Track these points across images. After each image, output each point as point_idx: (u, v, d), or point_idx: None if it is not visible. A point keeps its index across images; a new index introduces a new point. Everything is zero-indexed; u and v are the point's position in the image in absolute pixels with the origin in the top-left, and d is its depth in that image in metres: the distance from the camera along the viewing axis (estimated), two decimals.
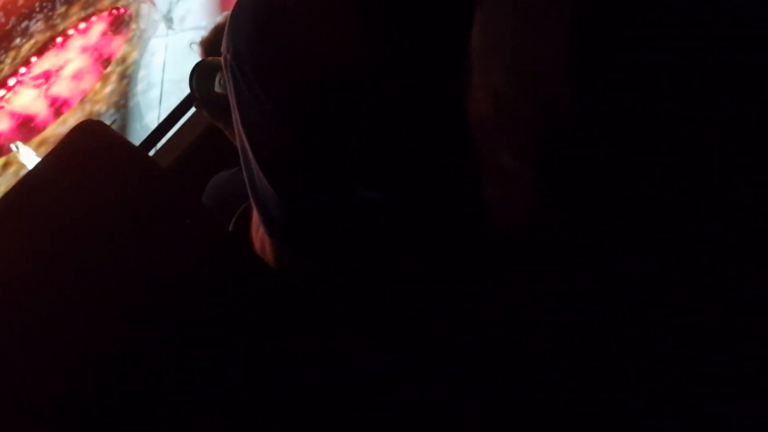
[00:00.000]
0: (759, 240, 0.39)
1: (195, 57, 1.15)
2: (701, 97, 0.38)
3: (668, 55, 0.38)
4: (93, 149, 0.60)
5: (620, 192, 0.40)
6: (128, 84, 2.07)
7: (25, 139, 1.95)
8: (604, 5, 0.38)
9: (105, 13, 2.14)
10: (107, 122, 1.98)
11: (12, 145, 2.02)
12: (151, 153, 1.48)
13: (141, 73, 2.09)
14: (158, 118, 1.94)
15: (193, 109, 1.42)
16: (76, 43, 2.14)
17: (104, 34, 2.14)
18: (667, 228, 0.40)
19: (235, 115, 0.62)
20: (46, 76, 2.15)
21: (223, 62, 0.61)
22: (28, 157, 1.97)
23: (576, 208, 0.42)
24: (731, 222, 0.39)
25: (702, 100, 0.38)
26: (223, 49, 0.61)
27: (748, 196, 0.39)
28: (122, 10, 2.16)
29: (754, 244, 0.39)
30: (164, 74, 2.05)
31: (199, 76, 1.04)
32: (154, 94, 2.02)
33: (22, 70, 2.06)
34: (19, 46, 2.01)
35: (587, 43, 0.39)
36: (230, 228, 0.79)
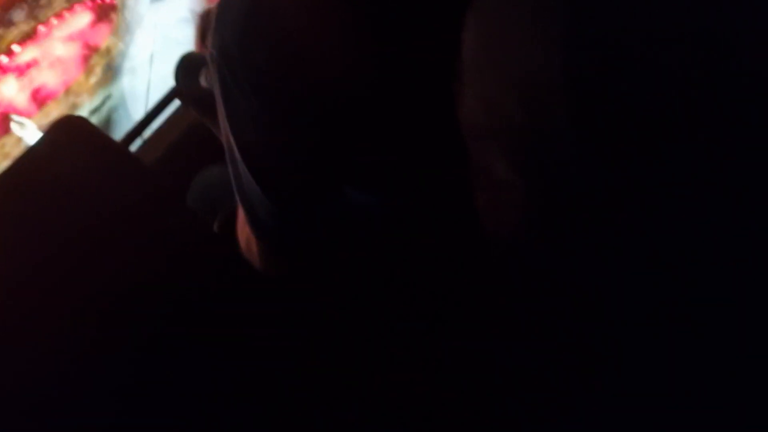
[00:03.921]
0: (757, 253, 0.39)
1: (182, 49, 1.14)
2: (700, 106, 0.37)
3: (664, 65, 0.37)
4: (73, 146, 0.58)
5: (614, 203, 0.40)
6: (113, 75, 2.04)
7: (8, 130, 1.92)
8: (599, 14, 0.38)
9: (89, 3, 2.11)
10: (88, 113, 1.95)
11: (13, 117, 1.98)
12: (136, 146, 1.47)
13: (127, 65, 2.06)
14: (145, 110, 1.91)
15: (179, 103, 1.41)
16: (60, 32, 2.11)
17: (89, 24, 2.10)
18: (665, 241, 0.40)
19: (221, 113, 0.60)
20: (29, 66, 2.12)
21: (209, 59, 0.60)
22: (30, 132, 1.93)
23: (569, 220, 0.41)
24: (732, 233, 0.38)
25: (701, 111, 0.37)
26: (209, 44, 0.60)
27: (749, 208, 0.38)
28: (107, 0, 2.12)
29: (754, 258, 0.39)
30: (152, 66, 2.03)
31: (185, 70, 1.02)
32: (141, 86, 1.99)
33: (5, 59, 2.02)
34: (1, 36, 1.97)
35: (581, 52, 0.38)
36: (215, 227, 0.78)
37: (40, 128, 1.78)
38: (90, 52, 2.15)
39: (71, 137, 0.58)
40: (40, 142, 0.59)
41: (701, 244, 0.39)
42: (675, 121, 0.38)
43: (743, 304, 0.41)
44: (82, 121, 0.61)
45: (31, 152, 0.59)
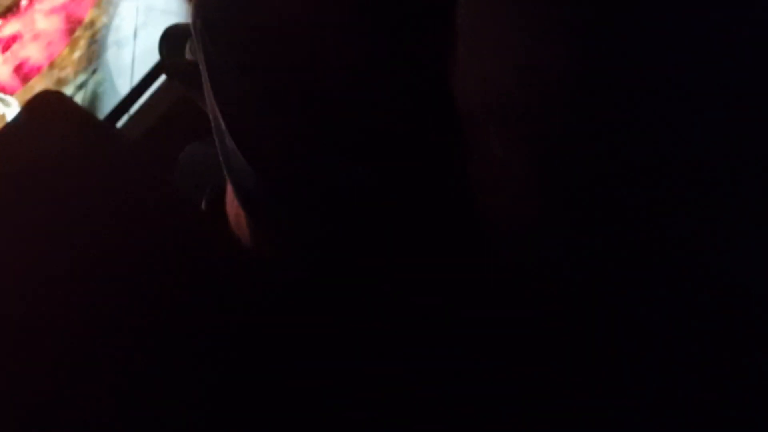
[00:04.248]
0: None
1: (167, 20, 1.11)
2: (714, 80, 0.36)
3: (672, 45, 0.36)
4: (51, 122, 0.56)
5: (621, 187, 0.38)
6: (98, 49, 2.00)
7: None
8: None
9: None
10: (74, 89, 1.92)
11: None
12: (122, 122, 1.44)
13: (111, 38, 2.02)
14: (130, 84, 1.88)
15: (164, 77, 1.38)
16: (42, 6, 2.06)
17: None
18: (673, 231, 0.38)
19: (206, 85, 0.59)
20: (12, 40, 2.08)
21: (192, 30, 0.58)
22: (14, 110, 1.91)
23: (570, 202, 0.40)
24: (738, 227, 0.37)
25: (714, 81, 0.36)
26: (192, 15, 0.58)
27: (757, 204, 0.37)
28: None
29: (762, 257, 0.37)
30: (136, 39, 1.99)
31: (169, 43, 1.00)
32: (126, 60, 1.96)
33: None
34: None
35: (585, 27, 0.37)
36: (204, 204, 0.76)
37: (23, 104, 1.75)
38: (73, 25, 2.10)
39: (49, 114, 0.55)
40: (16, 120, 0.57)
41: (708, 236, 0.37)
42: (685, 106, 0.36)
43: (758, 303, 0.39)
44: (60, 97, 0.58)
45: (6, 130, 0.57)
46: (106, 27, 2.02)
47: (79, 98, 1.99)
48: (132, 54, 1.94)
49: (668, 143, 0.37)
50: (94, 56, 2.02)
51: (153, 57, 1.53)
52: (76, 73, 2.01)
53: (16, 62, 2.06)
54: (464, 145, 0.44)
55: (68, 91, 1.89)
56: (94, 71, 2.01)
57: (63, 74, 2.07)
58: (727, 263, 0.38)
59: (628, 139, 0.38)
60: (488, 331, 0.47)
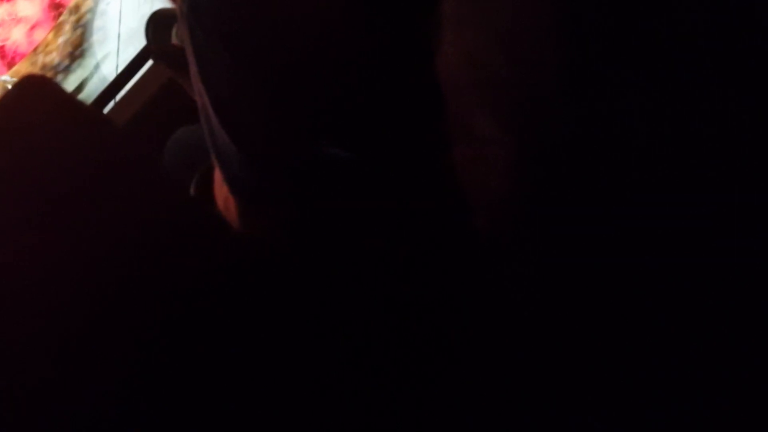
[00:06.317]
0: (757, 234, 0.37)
1: (152, 4, 1.10)
2: (701, 64, 0.36)
3: (663, 18, 0.36)
4: (37, 109, 0.55)
5: (611, 165, 0.38)
6: (83, 34, 1.98)
7: None
8: None
9: None
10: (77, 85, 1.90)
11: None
12: (108, 107, 1.43)
13: (97, 23, 2.00)
14: (116, 70, 1.87)
15: (151, 61, 1.37)
16: None
17: None
18: (663, 213, 0.38)
19: (193, 70, 0.59)
20: None
21: (178, 13, 0.58)
22: None
23: (562, 183, 0.39)
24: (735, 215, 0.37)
25: (703, 70, 0.36)
26: None
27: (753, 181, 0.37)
28: None
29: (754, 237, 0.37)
30: (121, 24, 1.97)
31: (156, 26, 1.00)
32: (112, 44, 1.94)
33: None
34: None
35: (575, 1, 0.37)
36: (192, 189, 0.76)
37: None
38: (58, 10, 2.08)
39: (34, 99, 0.55)
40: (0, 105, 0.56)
41: (710, 222, 0.37)
42: (685, 79, 0.36)
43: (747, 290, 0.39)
44: (45, 82, 0.58)
45: None
46: (92, 11, 2.00)
47: (65, 83, 1.97)
48: (118, 39, 1.93)
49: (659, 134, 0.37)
50: (79, 41, 2.00)
51: (139, 41, 1.52)
52: (62, 58, 2.00)
53: (1, 47, 2.03)
54: (449, 129, 0.44)
55: (53, 75, 1.87)
56: (80, 56, 1.99)
57: (48, 59, 2.05)
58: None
59: (624, 114, 0.37)
60: (480, 324, 0.46)
